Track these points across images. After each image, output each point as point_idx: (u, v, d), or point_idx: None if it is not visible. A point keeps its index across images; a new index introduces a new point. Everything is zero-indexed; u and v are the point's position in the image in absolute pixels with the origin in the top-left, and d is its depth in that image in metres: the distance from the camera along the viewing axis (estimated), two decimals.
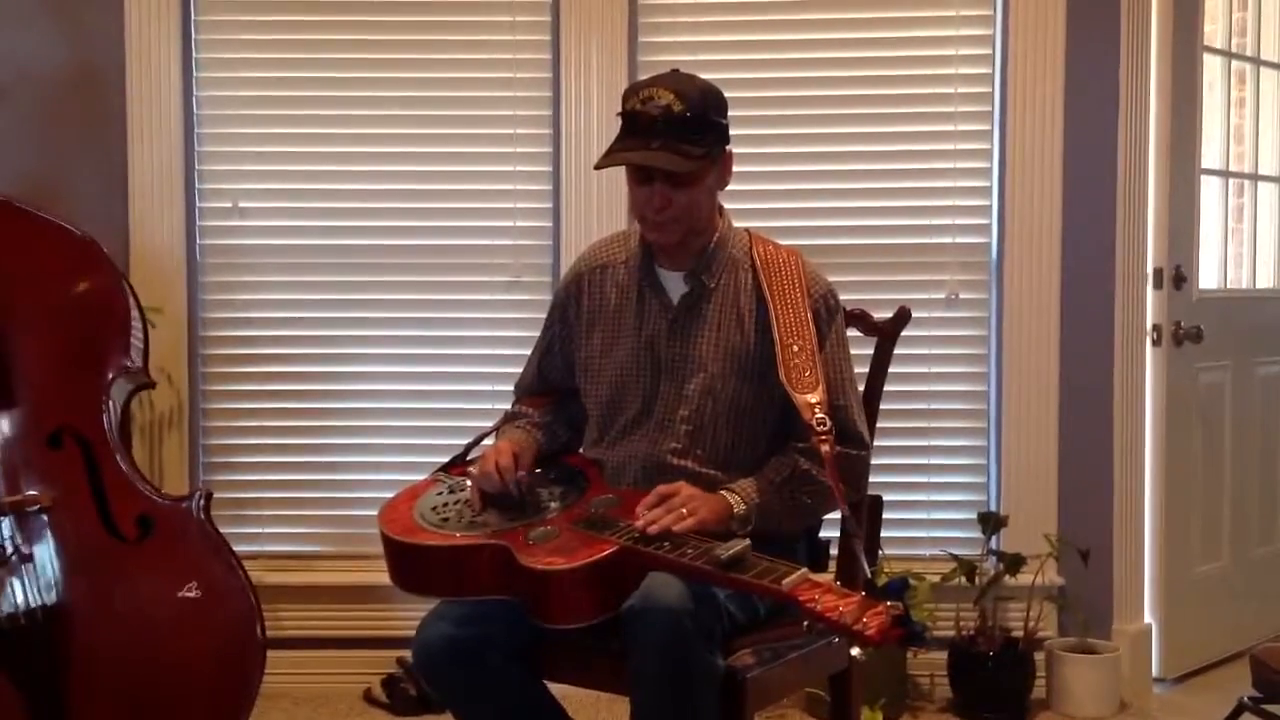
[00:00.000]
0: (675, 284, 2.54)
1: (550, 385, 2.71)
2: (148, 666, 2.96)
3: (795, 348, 2.41)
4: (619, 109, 2.46)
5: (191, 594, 2.96)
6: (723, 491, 2.40)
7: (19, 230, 3.11)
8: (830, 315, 2.52)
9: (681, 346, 2.52)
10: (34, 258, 3.11)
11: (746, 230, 2.61)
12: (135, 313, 3.15)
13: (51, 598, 2.93)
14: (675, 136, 2.38)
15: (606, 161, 2.45)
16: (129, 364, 3.09)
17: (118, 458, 3.03)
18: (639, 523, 2.26)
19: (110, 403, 3.07)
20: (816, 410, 2.33)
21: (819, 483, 2.43)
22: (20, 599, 2.92)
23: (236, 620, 2.99)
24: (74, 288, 3.13)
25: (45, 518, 2.96)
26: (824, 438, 2.30)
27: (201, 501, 3.03)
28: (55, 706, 2.92)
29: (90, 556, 2.98)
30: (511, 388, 2.80)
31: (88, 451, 3.02)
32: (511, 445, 2.52)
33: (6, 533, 2.94)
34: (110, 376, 3.07)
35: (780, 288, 2.48)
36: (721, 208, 2.58)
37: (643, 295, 2.56)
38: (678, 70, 2.50)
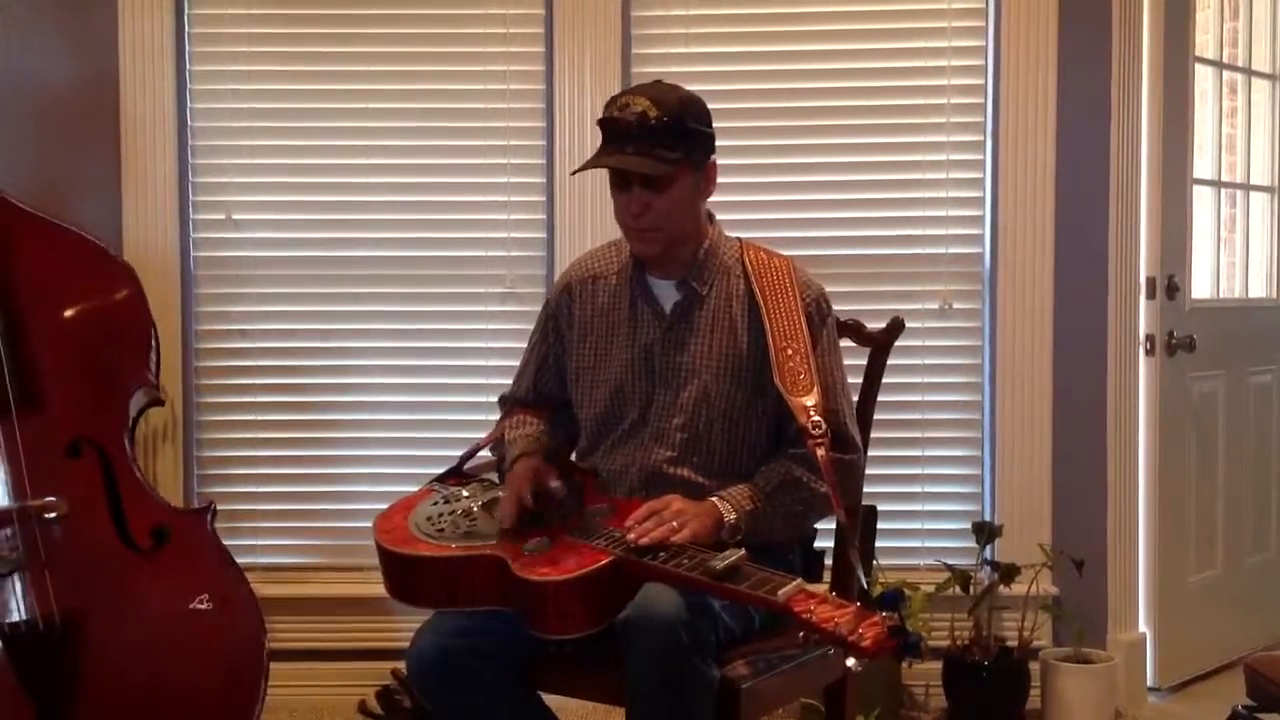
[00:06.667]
0: (667, 292, 2.55)
1: (544, 397, 2.71)
2: (158, 676, 3.02)
3: (789, 351, 2.42)
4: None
5: (203, 605, 3.04)
6: (714, 500, 2.40)
7: (54, 244, 3.20)
8: (822, 319, 2.53)
9: (675, 354, 2.52)
10: (67, 271, 3.20)
11: (738, 239, 2.61)
12: (153, 330, 3.24)
13: (66, 605, 2.97)
14: (650, 142, 2.40)
15: (582, 167, 2.50)
16: (149, 378, 3.18)
17: (134, 469, 3.11)
18: (629, 536, 2.26)
19: (128, 416, 3.16)
20: (812, 413, 2.34)
21: (810, 489, 2.44)
22: (36, 605, 2.95)
23: (246, 632, 3.07)
24: (103, 303, 3.22)
25: (61, 525, 3.02)
26: (819, 440, 2.30)
27: (211, 514, 3.13)
28: (65, 715, 2.96)
29: (104, 565, 3.04)
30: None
31: (106, 462, 3.08)
32: (529, 472, 2.49)
33: (23, 538, 2.98)
34: (131, 390, 3.16)
35: (773, 292, 2.49)
36: (712, 216, 2.59)
37: (635, 304, 2.57)
38: (660, 81, 2.54)
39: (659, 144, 2.40)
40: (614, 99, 2.49)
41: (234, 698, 3.04)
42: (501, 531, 2.41)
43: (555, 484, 2.46)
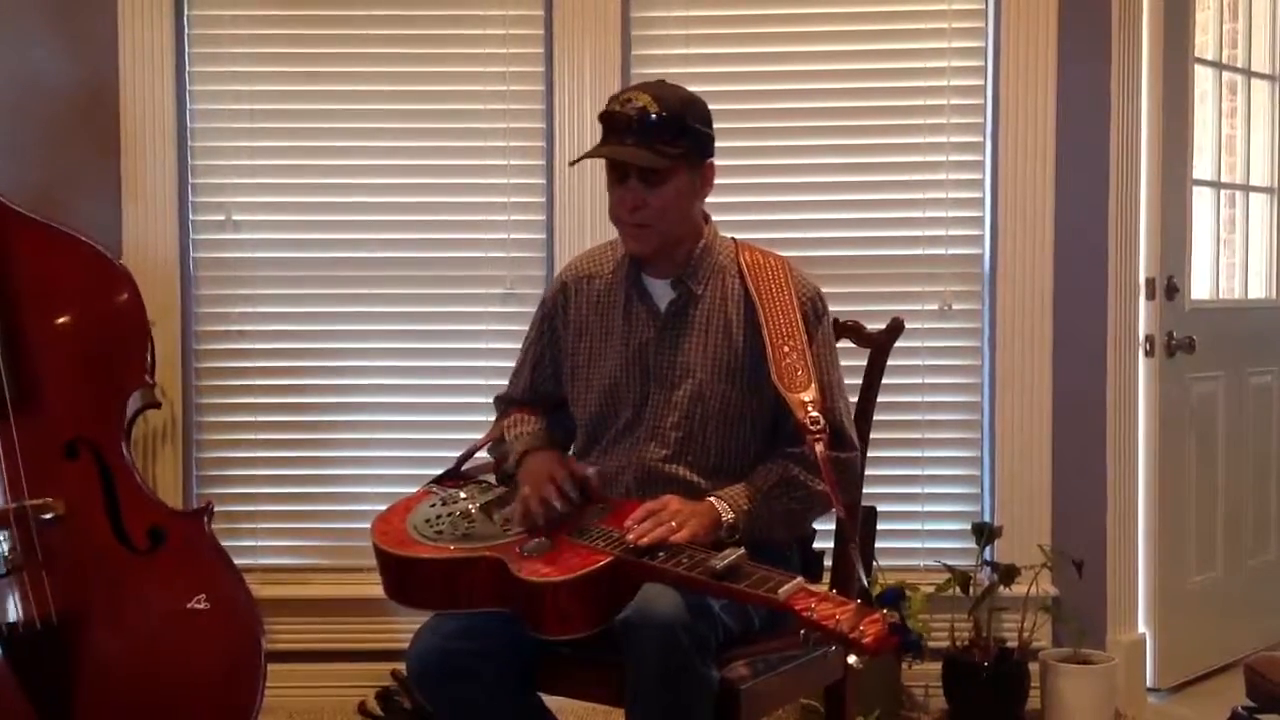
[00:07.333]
0: (662, 291, 2.55)
1: (540, 396, 2.71)
2: (155, 676, 3.03)
3: (786, 348, 2.42)
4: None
5: (200, 605, 3.05)
6: (711, 500, 2.40)
7: (51, 247, 3.21)
8: (818, 317, 2.53)
9: (670, 354, 2.52)
10: (65, 274, 3.22)
11: (733, 239, 2.62)
12: (149, 333, 3.26)
13: (63, 605, 2.99)
14: (649, 136, 2.41)
15: (581, 157, 2.51)
16: (146, 380, 3.20)
17: (131, 470, 3.13)
18: (629, 537, 2.26)
19: (125, 418, 3.17)
20: (810, 409, 2.33)
21: (808, 487, 2.44)
22: (34, 605, 2.97)
23: (244, 632, 3.08)
24: (101, 305, 3.24)
25: (58, 526, 3.03)
26: (817, 436, 2.30)
27: (209, 515, 3.15)
28: (63, 715, 2.97)
29: (101, 566, 3.05)
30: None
31: (102, 463, 3.10)
32: (548, 469, 2.48)
33: (21, 539, 2.99)
34: (128, 392, 3.17)
35: (769, 291, 2.49)
36: (707, 216, 2.59)
37: (630, 303, 2.57)
38: (663, 80, 2.54)
39: (658, 139, 2.41)
40: (616, 95, 2.50)
41: (232, 697, 3.06)
42: (500, 531, 2.41)
43: (591, 470, 2.47)
